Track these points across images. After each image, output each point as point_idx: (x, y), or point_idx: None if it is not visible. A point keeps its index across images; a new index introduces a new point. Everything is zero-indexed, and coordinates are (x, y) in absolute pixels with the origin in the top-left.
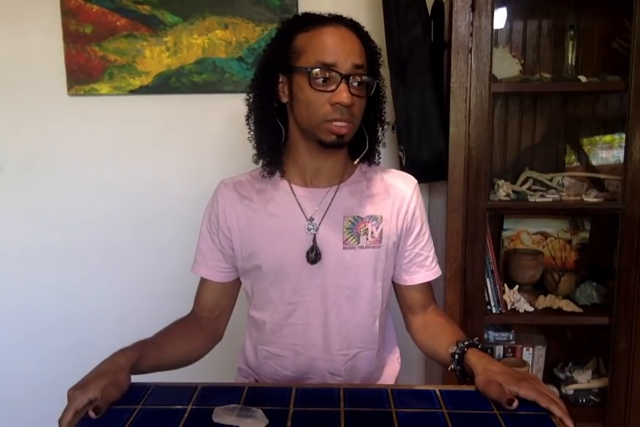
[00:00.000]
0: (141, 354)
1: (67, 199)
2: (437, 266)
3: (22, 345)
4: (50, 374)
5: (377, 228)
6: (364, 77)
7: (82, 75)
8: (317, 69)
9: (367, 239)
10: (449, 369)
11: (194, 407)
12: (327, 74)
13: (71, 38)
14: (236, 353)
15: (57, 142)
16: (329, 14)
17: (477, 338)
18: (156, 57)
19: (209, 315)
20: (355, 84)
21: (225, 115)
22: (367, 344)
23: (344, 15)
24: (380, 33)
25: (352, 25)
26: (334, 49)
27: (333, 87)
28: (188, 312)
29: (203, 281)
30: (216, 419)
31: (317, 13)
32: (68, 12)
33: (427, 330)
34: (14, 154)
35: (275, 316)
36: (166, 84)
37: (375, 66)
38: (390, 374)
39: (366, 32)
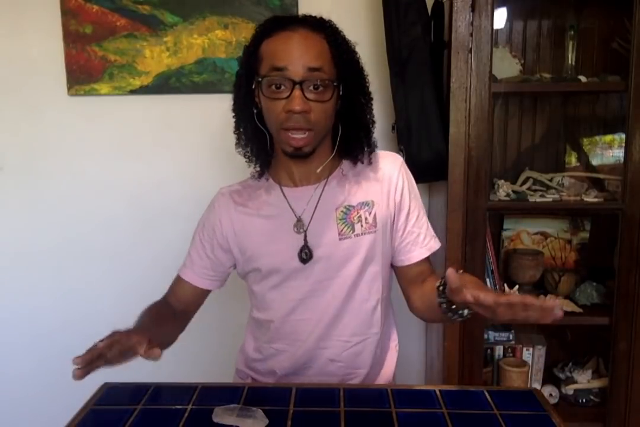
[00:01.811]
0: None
1: (67, 199)
2: (431, 241)
3: (23, 347)
4: (52, 377)
5: (369, 213)
6: (324, 81)
7: (82, 75)
8: (267, 78)
9: (361, 226)
10: (438, 304)
11: (194, 407)
12: (279, 81)
13: (71, 38)
14: (235, 354)
15: (57, 142)
16: (296, 16)
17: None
18: (156, 57)
19: (184, 308)
20: (313, 88)
21: (225, 115)
22: (369, 330)
23: (315, 15)
24: (380, 33)
25: (318, 26)
26: (285, 53)
27: (287, 94)
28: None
29: (184, 280)
30: (216, 419)
31: (286, 16)
32: (68, 12)
33: (423, 291)
34: (14, 154)
35: (279, 314)
36: (166, 84)
37: (344, 65)
38: (389, 362)
39: (335, 31)
